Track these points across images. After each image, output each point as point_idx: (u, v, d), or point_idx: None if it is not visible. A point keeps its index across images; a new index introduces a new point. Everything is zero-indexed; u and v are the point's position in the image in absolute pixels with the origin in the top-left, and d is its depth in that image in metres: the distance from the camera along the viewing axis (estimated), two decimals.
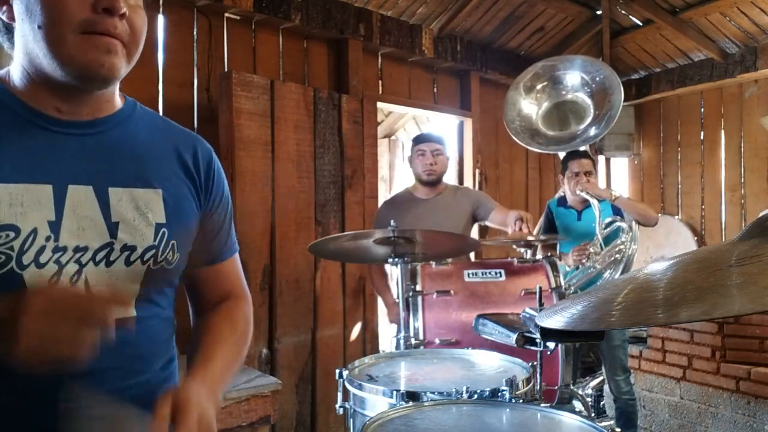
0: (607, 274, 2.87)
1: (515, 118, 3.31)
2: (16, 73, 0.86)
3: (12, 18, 0.84)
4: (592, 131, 3.18)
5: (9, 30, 0.87)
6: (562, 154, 3.29)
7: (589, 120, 3.22)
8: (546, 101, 3.34)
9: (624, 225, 2.90)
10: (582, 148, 3.21)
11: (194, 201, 0.99)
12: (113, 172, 0.89)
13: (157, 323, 0.94)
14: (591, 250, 2.87)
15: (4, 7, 0.84)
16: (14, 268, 0.79)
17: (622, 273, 2.85)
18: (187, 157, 0.99)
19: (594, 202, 2.88)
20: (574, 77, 3.28)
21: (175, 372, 1.01)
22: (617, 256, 2.86)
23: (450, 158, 2.98)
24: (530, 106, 3.34)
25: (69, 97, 0.86)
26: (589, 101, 3.25)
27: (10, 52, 0.88)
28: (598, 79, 3.21)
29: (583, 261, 2.87)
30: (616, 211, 2.96)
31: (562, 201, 3.18)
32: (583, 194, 2.93)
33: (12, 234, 0.78)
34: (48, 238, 0.81)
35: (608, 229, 2.93)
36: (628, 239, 2.88)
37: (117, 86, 0.92)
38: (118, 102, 0.94)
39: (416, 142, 2.94)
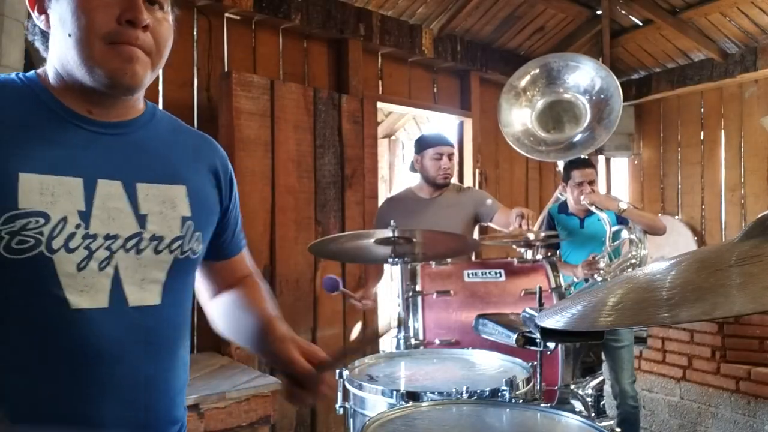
0: None
1: (511, 122, 3.25)
2: (51, 73, 0.92)
3: (48, 26, 0.91)
4: (596, 138, 3.10)
5: (45, 36, 0.94)
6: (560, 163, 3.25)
7: (586, 123, 3.17)
8: (540, 100, 3.26)
9: (634, 237, 2.84)
10: (584, 156, 3.16)
11: (217, 196, 1.05)
12: (140, 169, 0.93)
13: (178, 311, 0.99)
14: (601, 263, 2.77)
15: (43, 16, 0.91)
16: (44, 252, 0.82)
17: None
18: (209, 155, 1.06)
19: (603, 215, 2.82)
20: (572, 77, 3.22)
21: (187, 366, 1.05)
22: (629, 270, 2.80)
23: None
24: (524, 111, 3.25)
25: (98, 101, 0.92)
26: (585, 102, 3.20)
27: (45, 56, 0.95)
28: (596, 81, 3.16)
29: (594, 275, 2.76)
30: (621, 220, 2.92)
31: (563, 208, 3.13)
32: (591, 207, 2.86)
33: (42, 220, 0.82)
34: (78, 226, 0.85)
35: (617, 242, 2.88)
36: (638, 251, 2.83)
37: (143, 92, 0.98)
38: (142, 106, 1.00)
39: (431, 143, 2.81)
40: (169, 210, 0.94)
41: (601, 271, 2.74)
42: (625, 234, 2.87)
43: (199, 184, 1.01)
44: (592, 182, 2.98)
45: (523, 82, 3.23)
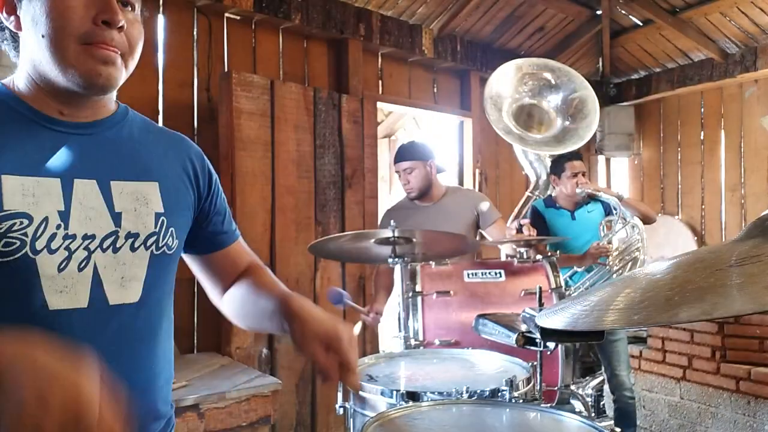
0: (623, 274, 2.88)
1: (496, 114, 3.22)
2: (20, 79, 0.92)
3: (19, 27, 0.90)
4: (582, 136, 3.10)
5: (15, 39, 0.93)
6: (525, 158, 3.26)
7: (555, 130, 3.17)
8: (524, 99, 3.24)
9: (636, 223, 2.92)
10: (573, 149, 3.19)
11: (190, 191, 1.06)
12: (113, 167, 0.95)
13: (157, 308, 0.99)
14: (608, 245, 2.90)
15: (12, 17, 0.90)
16: (28, 253, 0.83)
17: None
18: (180, 153, 1.07)
19: (614, 200, 2.94)
20: (556, 94, 3.23)
21: (171, 362, 1.05)
22: (636, 254, 2.87)
23: (431, 164, 2.78)
24: (509, 91, 3.18)
25: (70, 102, 0.92)
26: (554, 112, 3.19)
27: (15, 60, 0.95)
28: (573, 97, 3.17)
29: (607, 258, 2.88)
30: (608, 211, 3.03)
31: (550, 202, 3.15)
32: (597, 194, 2.99)
33: (26, 221, 0.83)
34: (59, 226, 0.86)
35: (618, 226, 2.97)
36: (640, 238, 2.90)
37: (114, 92, 0.98)
38: (114, 106, 1.01)
39: (394, 162, 2.82)
40: (142, 207, 0.96)
41: (610, 255, 2.87)
42: (624, 220, 2.95)
43: (171, 180, 1.02)
44: (584, 174, 3.07)
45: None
